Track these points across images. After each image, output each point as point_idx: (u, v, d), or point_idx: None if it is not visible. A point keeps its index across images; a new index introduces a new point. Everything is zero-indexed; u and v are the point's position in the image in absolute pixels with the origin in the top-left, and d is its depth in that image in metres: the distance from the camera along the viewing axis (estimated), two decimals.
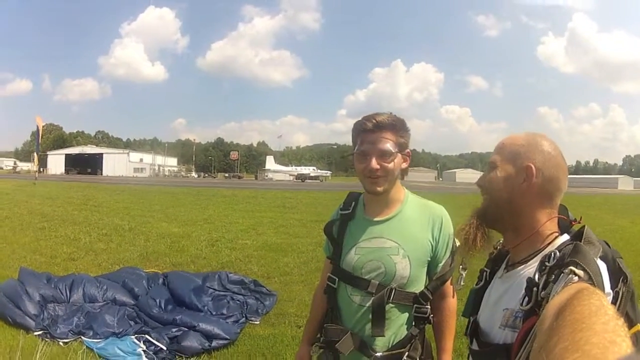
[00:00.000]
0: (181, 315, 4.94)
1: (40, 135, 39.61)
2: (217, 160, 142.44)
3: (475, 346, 1.42)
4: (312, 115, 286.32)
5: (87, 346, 4.49)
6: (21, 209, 16.18)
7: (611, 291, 1.11)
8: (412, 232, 1.90)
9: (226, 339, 4.67)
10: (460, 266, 1.73)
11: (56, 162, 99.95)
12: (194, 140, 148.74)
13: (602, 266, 1.13)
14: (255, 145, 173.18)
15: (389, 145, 1.80)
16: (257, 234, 12.15)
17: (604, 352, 0.57)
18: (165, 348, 4.49)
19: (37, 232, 11.34)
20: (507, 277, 1.39)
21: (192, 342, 4.53)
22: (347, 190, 2.18)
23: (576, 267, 1.03)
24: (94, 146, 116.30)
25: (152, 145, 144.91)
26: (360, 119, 1.89)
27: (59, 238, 10.60)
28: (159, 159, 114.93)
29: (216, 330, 4.70)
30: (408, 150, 1.90)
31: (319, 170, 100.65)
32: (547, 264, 1.15)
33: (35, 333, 4.67)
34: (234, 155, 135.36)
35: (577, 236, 1.25)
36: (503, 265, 1.47)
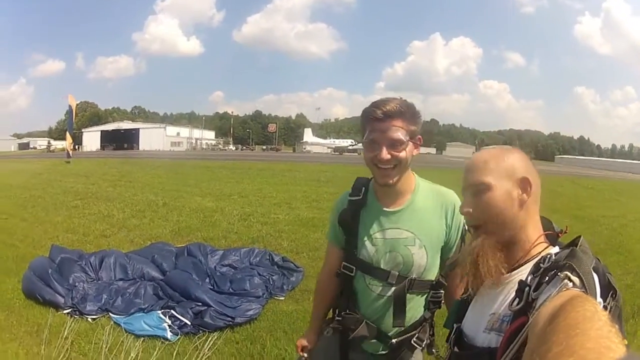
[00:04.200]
0: (200, 293, 4.99)
1: (75, 114, 40.28)
2: (255, 132, 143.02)
3: (456, 349, 1.39)
4: (350, 87, 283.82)
5: (114, 322, 4.62)
6: (55, 188, 16.49)
7: (601, 300, 1.07)
8: (426, 221, 1.88)
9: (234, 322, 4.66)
10: None
11: (92, 139, 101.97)
12: (232, 112, 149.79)
13: (595, 277, 1.09)
14: (293, 117, 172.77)
15: (399, 134, 1.73)
16: (290, 208, 12.16)
17: (598, 357, 0.58)
18: (189, 323, 4.56)
19: (70, 211, 11.63)
20: (495, 284, 1.34)
21: (214, 318, 4.59)
22: None
23: (572, 273, 1.01)
24: (130, 121, 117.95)
25: (190, 119, 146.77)
26: (368, 106, 1.79)
27: (92, 215, 10.86)
28: (197, 133, 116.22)
29: (228, 313, 4.71)
30: (419, 136, 1.83)
31: (357, 143, 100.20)
32: (542, 265, 1.13)
33: (65, 311, 4.81)
34: (272, 127, 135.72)
35: (569, 246, 1.22)
36: None
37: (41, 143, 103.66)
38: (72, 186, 17.19)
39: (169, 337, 4.35)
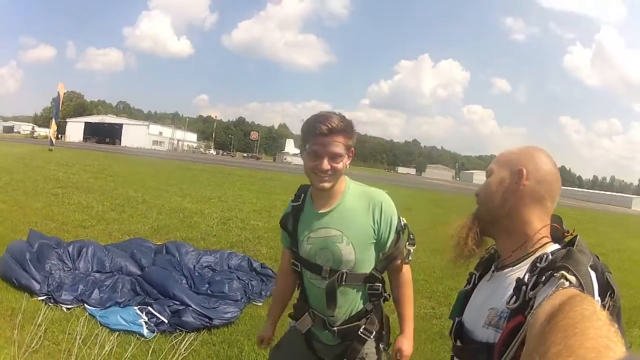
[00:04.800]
0: (178, 292, 4.94)
1: (61, 102, 39.76)
2: (237, 139, 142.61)
3: (458, 344, 1.45)
4: (335, 101, 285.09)
5: (89, 313, 4.54)
6: (36, 174, 16.29)
7: (599, 299, 1.12)
8: (353, 219, 2.07)
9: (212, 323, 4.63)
10: (407, 242, 2.09)
11: (75, 130, 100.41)
12: (216, 117, 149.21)
13: (593, 275, 1.13)
14: (276, 127, 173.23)
15: (339, 149, 1.96)
16: (270, 217, 12.13)
17: (598, 357, 0.57)
18: (166, 321, 4.51)
19: (50, 198, 11.46)
20: (495, 279, 1.42)
21: (192, 318, 4.55)
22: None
23: (568, 273, 1.03)
24: (114, 116, 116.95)
25: (173, 119, 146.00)
26: (312, 118, 2.01)
27: (72, 205, 10.68)
28: (179, 134, 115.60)
29: (206, 313, 4.67)
30: (353, 149, 2.05)
31: None
32: (538, 264, 1.17)
33: (39, 298, 4.72)
34: (254, 135, 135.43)
35: (570, 244, 1.26)
36: (492, 267, 1.49)
37: (25, 128, 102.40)
38: (53, 174, 16.94)
39: (145, 333, 4.29)
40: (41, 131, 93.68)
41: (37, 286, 4.82)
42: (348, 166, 2.05)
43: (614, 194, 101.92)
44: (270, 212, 13.05)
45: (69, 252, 5.65)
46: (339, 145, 1.95)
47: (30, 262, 5.07)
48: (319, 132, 1.93)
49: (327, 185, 2.00)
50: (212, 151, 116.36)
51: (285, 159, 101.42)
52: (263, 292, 5.67)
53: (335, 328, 2.13)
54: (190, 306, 4.68)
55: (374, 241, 2.08)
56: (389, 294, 2.22)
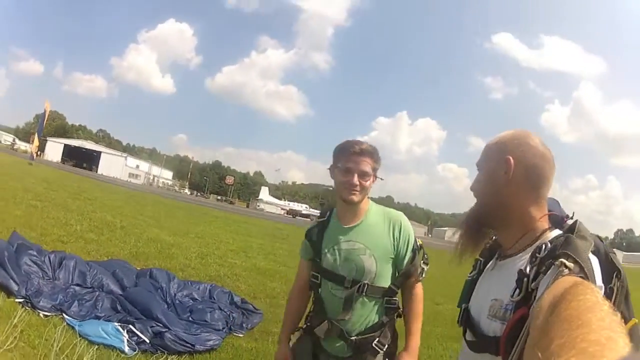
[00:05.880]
0: (161, 314, 4.82)
1: (46, 120, 39.61)
2: (211, 182, 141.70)
3: (469, 336, 1.45)
4: (310, 153, 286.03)
5: (67, 323, 4.37)
6: (16, 184, 15.98)
7: (602, 285, 1.12)
8: (376, 234, 2.27)
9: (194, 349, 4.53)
10: (422, 261, 2.28)
11: (54, 150, 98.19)
12: (192, 158, 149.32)
13: (595, 261, 1.14)
14: (251, 174, 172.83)
15: (368, 168, 2.22)
16: (247, 257, 12.03)
17: (601, 349, 0.55)
18: (148, 341, 4.39)
19: (29, 209, 11.17)
20: (498, 268, 1.44)
21: (174, 342, 4.43)
22: None
23: (567, 259, 1.04)
24: (94, 143, 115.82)
25: (150, 155, 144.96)
26: (345, 141, 2.29)
27: (50, 220, 10.38)
28: (155, 169, 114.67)
29: (188, 340, 4.55)
30: (377, 173, 2.29)
31: (310, 209, 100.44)
32: (538, 255, 1.18)
33: (17, 300, 4.54)
34: (229, 180, 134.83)
35: (569, 231, 1.25)
36: (495, 257, 1.50)
37: (7, 139, 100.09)
38: (32, 187, 16.53)
39: (126, 350, 4.16)
40: (22, 144, 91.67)
41: (15, 287, 4.63)
42: (371, 186, 2.27)
43: None
44: (246, 252, 12.88)
45: (50, 260, 5.47)
46: (368, 165, 2.21)
47: (8, 261, 4.89)
48: (352, 151, 2.21)
49: (355, 198, 2.21)
50: (187, 191, 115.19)
51: (259, 205, 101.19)
52: (244, 325, 5.59)
53: (353, 338, 2.21)
54: (172, 330, 4.57)
55: (393, 257, 2.26)
56: (401, 311, 2.36)
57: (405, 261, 2.27)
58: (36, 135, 39.11)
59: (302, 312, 2.53)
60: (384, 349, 2.25)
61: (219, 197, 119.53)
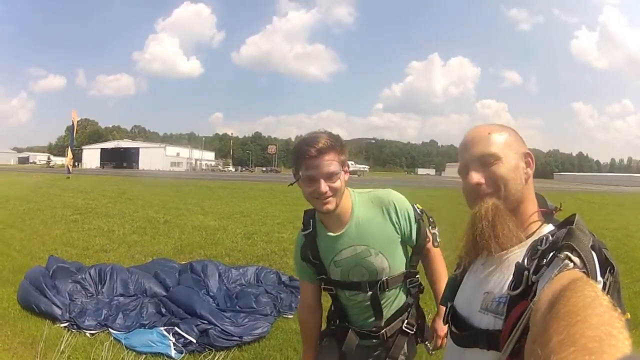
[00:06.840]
0: (205, 311, 4.75)
1: (75, 130, 40.52)
2: (254, 154, 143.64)
3: (455, 330, 1.39)
4: (349, 109, 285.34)
5: (114, 338, 4.37)
6: (54, 202, 16.42)
7: (602, 279, 1.06)
8: (372, 229, 2.03)
9: (242, 340, 4.44)
10: (429, 227, 2.10)
11: (91, 157, 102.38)
12: (232, 134, 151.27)
13: (594, 255, 1.09)
14: (293, 139, 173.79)
15: (333, 167, 1.87)
16: (294, 228, 11.73)
17: (600, 345, 0.56)
18: (195, 341, 4.33)
19: (69, 225, 11.44)
20: (490, 261, 1.33)
21: (220, 338, 4.37)
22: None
23: (572, 253, 1.01)
24: (130, 140, 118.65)
25: (189, 140, 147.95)
26: (299, 143, 1.95)
27: (92, 230, 10.65)
28: (196, 153, 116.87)
29: (235, 332, 4.48)
30: (347, 164, 1.97)
31: (356, 165, 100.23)
32: (539, 247, 1.14)
33: (62, 325, 4.58)
34: (271, 149, 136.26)
35: (568, 223, 1.19)
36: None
37: (41, 158, 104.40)
38: (71, 201, 17.03)
39: (172, 354, 4.11)
40: (57, 160, 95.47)
41: (58, 311, 4.69)
42: (347, 182, 1.98)
43: (633, 174, 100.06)
44: (294, 223, 12.65)
45: (90, 275, 5.51)
46: (332, 164, 1.87)
47: (47, 287, 4.94)
48: (308, 155, 1.86)
49: (331, 207, 1.92)
50: (231, 168, 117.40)
51: None
52: (293, 305, 5.45)
53: (383, 331, 2.10)
54: (217, 326, 4.49)
55: (400, 240, 2.07)
56: (423, 287, 2.25)
57: (414, 236, 2.07)
58: (69, 147, 40.11)
59: (319, 324, 2.29)
60: (414, 330, 2.16)
61: (264, 169, 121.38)
